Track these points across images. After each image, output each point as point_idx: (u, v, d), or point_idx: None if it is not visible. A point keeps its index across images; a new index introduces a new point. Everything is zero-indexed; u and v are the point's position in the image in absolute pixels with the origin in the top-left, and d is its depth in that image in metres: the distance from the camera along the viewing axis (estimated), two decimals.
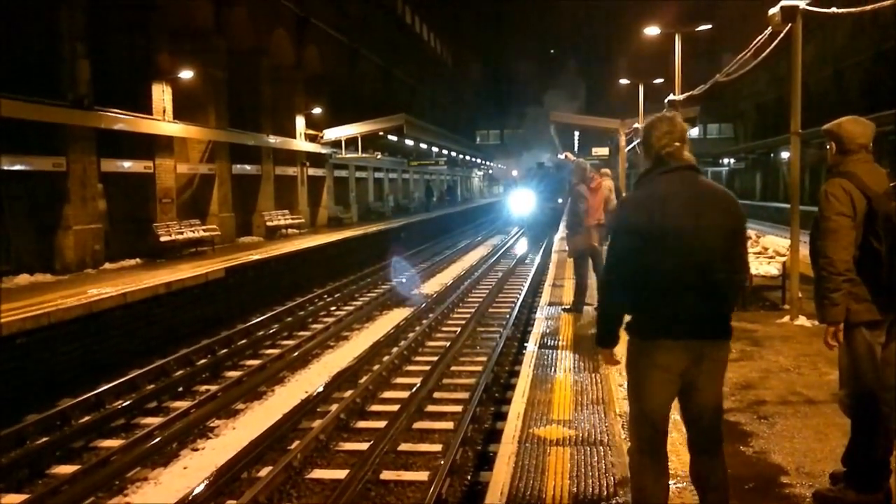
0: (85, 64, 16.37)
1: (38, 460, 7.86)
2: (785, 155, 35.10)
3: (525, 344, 9.77)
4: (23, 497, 6.91)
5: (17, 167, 14.87)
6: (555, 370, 7.04)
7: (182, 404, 9.79)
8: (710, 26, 24.59)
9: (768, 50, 11.13)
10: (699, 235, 3.28)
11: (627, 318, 3.49)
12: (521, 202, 40.20)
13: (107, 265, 16.58)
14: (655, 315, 3.38)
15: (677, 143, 3.43)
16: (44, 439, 8.44)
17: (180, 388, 10.65)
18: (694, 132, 47.41)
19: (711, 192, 3.43)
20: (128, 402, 9.65)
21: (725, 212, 3.36)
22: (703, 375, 3.41)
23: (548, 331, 8.93)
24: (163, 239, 18.49)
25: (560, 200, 33.34)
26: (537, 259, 23.72)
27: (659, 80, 30.71)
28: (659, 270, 3.31)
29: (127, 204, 19.15)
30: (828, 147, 4.18)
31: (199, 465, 7.72)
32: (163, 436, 8.27)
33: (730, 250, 3.35)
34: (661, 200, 3.34)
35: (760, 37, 11.12)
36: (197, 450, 8.24)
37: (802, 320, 8.64)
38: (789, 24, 9.47)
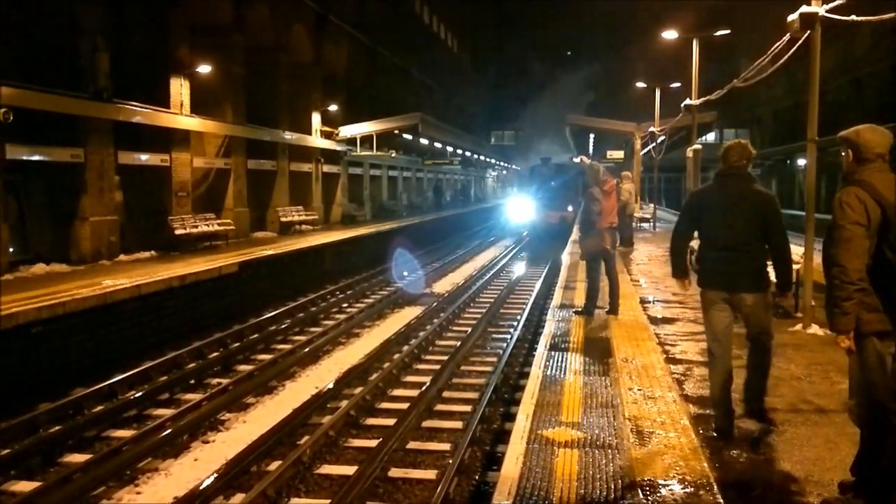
0: (105, 57, 16.51)
1: (51, 448, 7.95)
2: (801, 162, 34.93)
3: (535, 345, 9.78)
4: (35, 485, 7.00)
5: (36, 158, 15.02)
6: (565, 372, 7.05)
7: (194, 397, 9.88)
8: (727, 32, 24.45)
9: (786, 56, 11.07)
10: (731, 218, 5.08)
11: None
12: (522, 210, 36.24)
13: (122, 257, 16.72)
14: (706, 269, 5.28)
15: (744, 161, 5.21)
16: (56, 428, 8.54)
17: (192, 381, 10.73)
18: (710, 137, 47.19)
19: (749, 189, 5.16)
20: (140, 394, 9.74)
21: (756, 203, 5.11)
22: (746, 311, 5.20)
23: (558, 332, 8.94)
24: (178, 232, 18.61)
25: (570, 208, 30.78)
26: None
27: (676, 84, 30.60)
28: (708, 237, 5.27)
29: (143, 196, 19.29)
30: (843, 154, 4.15)
31: (209, 457, 7.79)
32: (174, 427, 8.35)
33: (757, 230, 5.07)
34: (714, 191, 5.32)
35: (779, 43, 11.06)
36: (207, 442, 8.31)
37: (815, 329, 8.60)
38: (808, 31, 9.43)
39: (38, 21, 15.56)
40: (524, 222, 34.91)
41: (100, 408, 9.33)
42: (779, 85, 37.13)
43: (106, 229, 16.66)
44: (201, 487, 6.61)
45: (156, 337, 12.79)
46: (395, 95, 40.28)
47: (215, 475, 6.85)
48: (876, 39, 28.43)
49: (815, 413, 5.79)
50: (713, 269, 5.21)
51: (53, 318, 10.75)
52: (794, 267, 7.36)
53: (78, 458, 7.79)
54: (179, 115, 19.63)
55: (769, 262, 5.30)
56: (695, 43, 22.48)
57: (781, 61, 11.55)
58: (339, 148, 30.63)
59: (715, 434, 5.28)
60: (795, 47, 10.45)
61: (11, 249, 14.74)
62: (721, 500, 4.19)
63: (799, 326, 8.89)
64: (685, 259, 5.55)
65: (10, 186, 14.49)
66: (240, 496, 6.59)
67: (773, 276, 5.49)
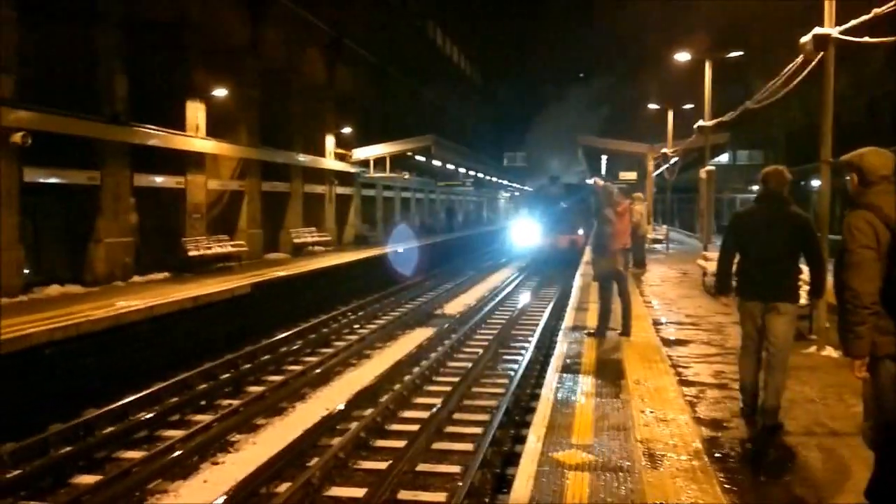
0: (122, 80, 16.74)
1: (61, 469, 7.96)
2: (815, 183, 34.73)
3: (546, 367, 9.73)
4: None
5: (53, 180, 15.19)
6: (576, 394, 6.99)
7: (204, 418, 9.88)
8: (740, 53, 24.47)
9: (799, 78, 11.05)
10: (769, 236, 5.69)
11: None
12: (528, 233, 32.94)
13: (136, 278, 16.81)
14: (746, 282, 5.84)
15: (783, 186, 5.77)
16: (67, 449, 8.55)
17: (203, 402, 10.74)
18: (723, 158, 47.06)
19: (787, 211, 5.73)
20: (151, 415, 9.75)
21: (793, 223, 5.71)
22: (771, 320, 5.71)
23: (570, 354, 8.89)
24: (191, 253, 18.72)
25: (581, 231, 29.27)
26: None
27: (689, 106, 30.60)
28: (748, 254, 5.82)
29: (157, 218, 19.44)
30: (848, 178, 4.15)
31: (218, 478, 7.77)
32: (184, 449, 8.34)
33: (793, 247, 5.71)
34: (755, 213, 5.91)
35: (792, 65, 11.05)
36: (217, 463, 8.29)
37: (829, 351, 8.51)
38: (821, 53, 9.42)
39: (55, 45, 15.79)
40: (530, 246, 32.19)
41: (111, 429, 9.34)
42: (792, 106, 36.93)
43: (121, 251, 16.78)
44: None
45: (168, 358, 12.81)
46: (408, 117, 40.53)
47: (224, 497, 6.83)
48: (890, 60, 28.33)
49: (829, 436, 5.71)
50: (752, 281, 5.79)
51: (67, 339, 10.81)
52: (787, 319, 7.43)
53: (88, 479, 7.80)
54: (195, 138, 19.82)
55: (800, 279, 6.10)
56: (707, 64, 22.51)
57: (794, 83, 11.52)
58: (352, 170, 30.81)
59: (740, 413, 6.12)
60: (809, 69, 10.44)
61: (27, 271, 14.85)
62: None
63: (813, 349, 8.80)
64: (731, 277, 6.04)
65: (26, 208, 14.64)
66: None
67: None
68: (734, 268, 6.00)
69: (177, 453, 8.18)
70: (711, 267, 14.37)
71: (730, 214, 7.84)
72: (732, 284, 6.05)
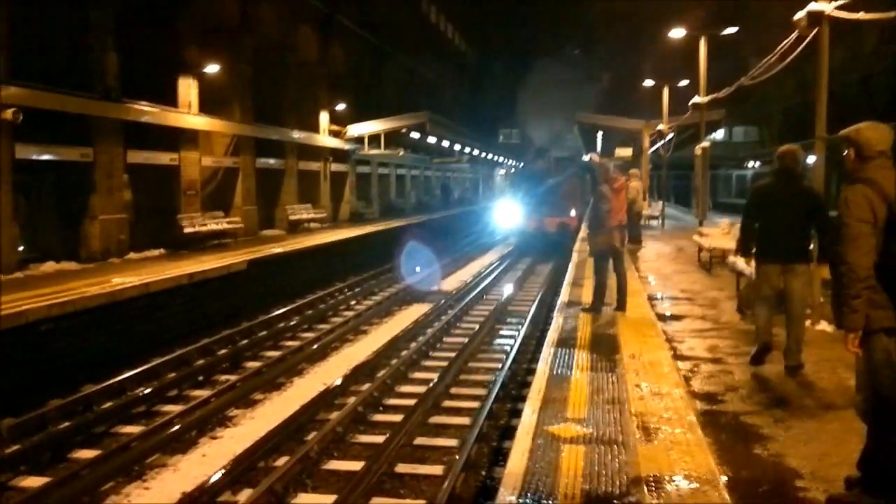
0: (113, 57, 16.60)
1: (60, 444, 8.01)
2: (810, 159, 34.76)
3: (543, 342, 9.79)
4: (44, 480, 7.05)
5: (46, 157, 15.11)
6: (571, 368, 7.05)
7: (202, 393, 9.93)
8: (736, 29, 24.35)
9: (794, 54, 11.04)
10: (785, 207, 6.51)
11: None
12: (512, 216, 28.60)
13: (131, 255, 16.80)
14: (766, 247, 6.71)
15: (796, 163, 6.61)
16: (66, 424, 8.59)
17: (200, 378, 10.79)
18: (719, 135, 47.01)
19: (800, 185, 6.66)
20: (149, 390, 9.80)
21: (806, 195, 6.62)
22: (790, 280, 6.61)
23: (566, 329, 8.94)
24: (186, 230, 18.69)
25: (574, 213, 26.32)
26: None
27: (684, 82, 30.50)
28: (766, 222, 6.68)
29: (152, 195, 19.37)
30: (846, 153, 4.16)
31: (217, 452, 7.83)
32: (183, 423, 8.40)
33: (804, 217, 6.52)
34: (773, 186, 6.71)
35: (787, 41, 11.04)
36: (216, 438, 8.35)
37: (823, 325, 8.57)
38: (816, 29, 9.40)
39: (47, 21, 15.63)
40: (514, 228, 28.63)
41: (109, 404, 9.38)
42: (788, 82, 36.88)
43: (115, 228, 16.75)
44: (209, 483, 6.64)
45: (165, 334, 12.84)
46: (403, 94, 40.32)
47: (223, 471, 6.89)
48: (885, 36, 28.24)
49: (822, 409, 5.78)
50: (772, 246, 6.65)
51: (63, 315, 10.81)
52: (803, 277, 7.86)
53: (87, 453, 7.85)
54: (188, 115, 19.70)
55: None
56: (702, 41, 22.41)
57: (789, 59, 11.52)
58: (347, 147, 30.69)
59: (752, 360, 7.01)
60: (803, 45, 10.42)
61: (22, 248, 14.83)
62: (727, 497, 4.19)
63: (807, 323, 8.87)
64: (752, 243, 6.89)
65: (20, 185, 14.58)
66: (247, 491, 6.62)
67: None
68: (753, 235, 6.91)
69: (175, 428, 8.24)
70: (707, 243, 14.45)
71: (749, 188, 8.42)
72: (752, 249, 6.96)
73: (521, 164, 35.60)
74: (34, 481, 7.13)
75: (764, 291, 6.82)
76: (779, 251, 6.62)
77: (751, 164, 49.44)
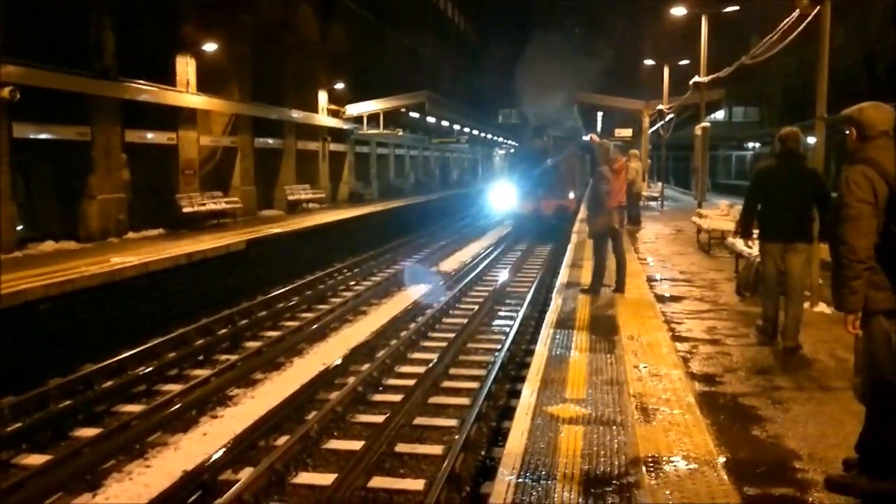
0: (111, 35, 16.49)
1: (61, 423, 8.04)
2: (811, 140, 34.64)
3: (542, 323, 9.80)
4: (45, 458, 7.09)
5: (43, 136, 15.05)
6: (570, 349, 7.07)
7: (202, 372, 9.96)
8: (737, 8, 24.17)
9: (795, 33, 10.95)
10: (787, 188, 6.67)
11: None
12: (507, 198, 26.77)
13: (130, 234, 16.78)
14: (769, 226, 6.87)
15: (798, 144, 6.76)
16: (67, 402, 8.63)
17: (201, 357, 10.81)
18: (719, 115, 46.79)
19: (802, 166, 6.80)
20: (149, 369, 9.83)
21: (808, 176, 6.75)
22: (790, 258, 6.79)
23: (565, 310, 8.96)
24: (185, 210, 18.66)
25: (572, 195, 25.02)
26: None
27: (684, 62, 30.31)
28: (769, 203, 6.85)
29: (150, 175, 19.33)
30: (847, 133, 4.14)
31: (217, 431, 7.86)
32: (183, 402, 8.43)
33: (805, 197, 6.66)
34: (775, 168, 6.84)
35: (788, 19, 10.93)
36: (216, 417, 8.38)
37: (822, 307, 8.59)
38: (817, 7, 9.32)
39: None
40: (509, 211, 27.02)
41: (109, 383, 9.42)
42: (788, 62, 36.69)
43: (114, 207, 16.72)
44: (210, 461, 6.68)
45: (164, 314, 12.86)
46: (403, 74, 40.05)
47: (224, 449, 6.93)
48: (889, 14, 28.05)
49: (821, 390, 5.80)
50: (774, 225, 6.82)
51: (62, 294, 10.82)
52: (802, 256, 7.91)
53: (88, 432, 7.89)
54: (186, 94, 19.59)
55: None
56: (703, 19, 22.24)
57: (790, 38, 11.42)
58: (345, 126, 30.56)
59: (759, 339, 7.21)
60: (805, 23, 10.33)
61: (20, 227, 14.80)
62: (725, 477, 4.22)
63: (806, 305, 8.88)
64: (752, 223, 7.12)
65: (18, 165, 14.53)
66: (248, 470, 6.65)
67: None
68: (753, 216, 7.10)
69: (176, 407, 8.27)
70: (706, 224, 14.44)
71: (752, 169, 8.42)
72: (752, 231, 7.24)
73: (518, 144, 33.89)
74: (36, 459, 7.17)
75: (767, 269, 6.96)
76: (780, 231, 6.77)
77: (750, 144, 49.32)
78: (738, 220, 7.75)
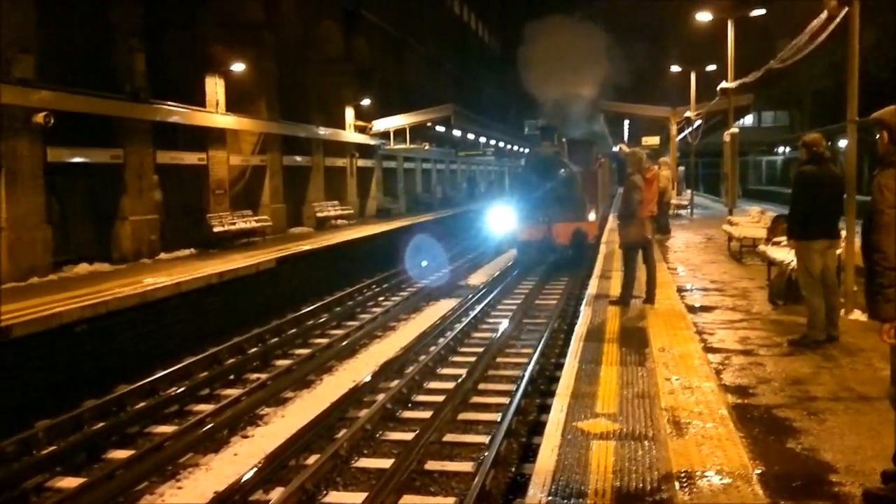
0: (140, 57, 16.79)
1: (95, 445, 8.13)
2: (842, 143, 34.11)
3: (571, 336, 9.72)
4: (80, 480, 7.16)
5: (77, 160, 15.33)
6: (600, 363, 7.00)
7: (233, 392, 10.02)
8: (763, 11, 23.95)
9: (824, 35, 10.79)
10: (828, 188, 7.35)
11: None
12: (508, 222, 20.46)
13: (162, 255, 17.00)
14: (815, 226, 7.34)
15: (824, 148, 7.43)
16: (100, 424, 8.72)
17: (232, 376, 10.88)
18: (748, 120, 46.32)
19: (832, 169, 7.52)
20: (181, 389, 9.91)
21: (838, 179, 7.63)
22: (831, 255, 7.54)
23: (594, 322, 8.87)
24: (216, 229, 18.88)
25: (593, 217, 19.33)
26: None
27: (711, 67, 30.07)
28: (813, 205, 7.32)
29: (181, 195, 19.59)
30: (878, 137, 4.04)
31: (248, 451, 7.89)
32: (214, 422, 8.47)
33: (840, 196, 7.64)
34: (817, 172, 7.33)
35: (816, 21, 10.79)
36: (247, 437, 8.42)
37: (857, 314, 8.41)
38: (846, 7, 9.18)
39: (73, 24, 15.84)
40: (510, 237, 21.49)
41: (142, 404, 9.51)
42: (818, 64, 36.20)
43: (146, 228, 16.96)
44: (241, 482, 6.70)
45: (196, 333, 12.98)
46: (427, 87, 40.26)
47: (255, 469, 6.94)
48: None
49: (857, 401, 5.67)
50: (822, 224, 7.36)
51: (96, 316, 10.98)
52: (837, 252, 8.22)
53: (121, 454, 7.95)
54: (215, 114, 19.87)
55: None
56: (730, 24, 22.08)
57: (819, 40, 11.26)
58: (372, 142, 30.75)
59: (796, 346, 7.32)
60: (834, 25, 10.18)
61: (55, 249, 15.06)
62: (760, 492, 4.13)
63: (841, 312, 8.70)
64: (805, 224, 7.44)
65: (52, 188, 14.82)
66: (279, 490, 6.66)
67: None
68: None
69: (207, 427, 8.32)
70: (737, 232, 14.25)
71: (796, 174, 7.99)
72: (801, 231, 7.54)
73: (527, 153, 27.65)
74: (70, 482, 7.24)
75: (815, 267, 7.35)
76: (826, 229, 7.39)
77: (781, 149, 48.68)
78: (786, 226, 8.24)
